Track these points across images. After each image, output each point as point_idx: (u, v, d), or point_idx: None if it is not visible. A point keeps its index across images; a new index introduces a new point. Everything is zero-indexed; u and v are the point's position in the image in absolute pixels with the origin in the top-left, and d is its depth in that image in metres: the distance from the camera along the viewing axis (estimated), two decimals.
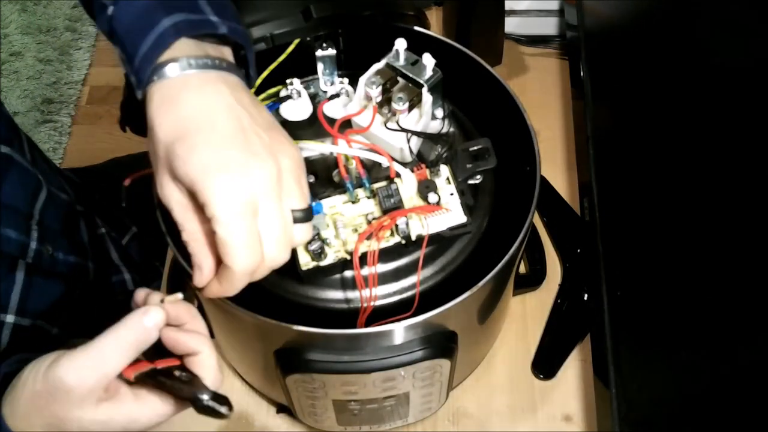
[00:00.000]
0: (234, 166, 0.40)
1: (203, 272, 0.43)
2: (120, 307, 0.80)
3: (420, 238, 0.52)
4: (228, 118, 0.41)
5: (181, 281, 0.70)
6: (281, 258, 0.42)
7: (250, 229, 0.40)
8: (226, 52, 0.45)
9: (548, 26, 0.93)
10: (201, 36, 0.43)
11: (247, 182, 0.40)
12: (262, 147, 0.41)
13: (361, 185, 0.54)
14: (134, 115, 0.57)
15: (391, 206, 0.52)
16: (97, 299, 0.76)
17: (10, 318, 0.63)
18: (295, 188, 0.43)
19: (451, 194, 0.54)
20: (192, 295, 0.60)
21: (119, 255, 0.83)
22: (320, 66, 0.60)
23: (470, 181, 0.56)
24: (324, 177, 0.57)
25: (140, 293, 0.46)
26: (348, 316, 0.53)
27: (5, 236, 0.62)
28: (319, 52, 0.58)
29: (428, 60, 0.53)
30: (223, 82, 0.43)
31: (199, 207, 0.40)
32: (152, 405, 0.43)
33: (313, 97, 0.61)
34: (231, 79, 0.43)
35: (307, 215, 0.43)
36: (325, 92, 0.61)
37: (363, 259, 0.51)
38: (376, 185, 0.54)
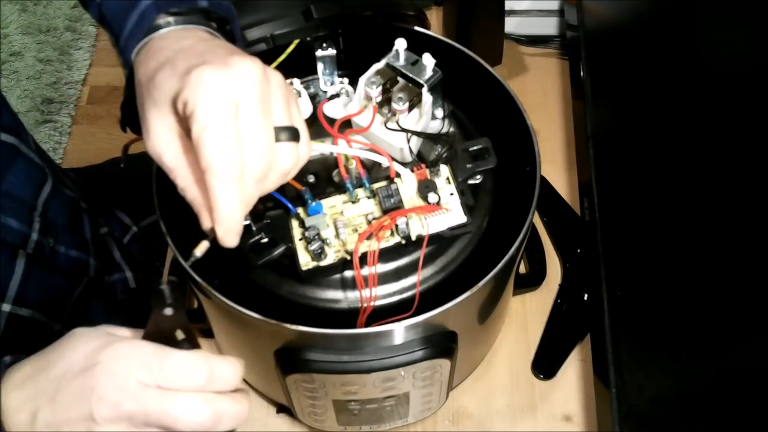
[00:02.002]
0: (216, 61, 0.39)
1: (205, 209, 0.40)
2: (121, 305, 0.80)
3: (420, 238, 0.52)
4: (209, 44, 0.42)
5: (181, 281, 0.70)
6: (261, 169, 0.39)
7: (227, 128, 0.37)
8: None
9: (548, 26, 0.93)
10: (185, 15, 0.45)
11: (228, 76, 0.38)
12: (246, 55, 0.40)
13: (361, 185, 0.54)
14: (134, 115, 0.57)
15: (391, 206, 0.52)
16: (98, 296, 0.76)
17: (6, 307, 0.63)
18: (282, 105, 0.40)
19: (451, 194, 0.54)
20: (187, 291, 0.60)
21: (121, 254, 0.83)
22: (320, 66, 0.60)
23: (470, 181, 0.56)
24: (324, 177, 0.57)
25: None
26: (348, 316, 0.53)
27: (6, 225, 0.62)
28: (319, 52, 0.59)
29: (428, 60, 0.53)
30: (204, 31, 0.44)
31: (191, 146, 0.39)
32: None
33: (313, 97, 0.61)
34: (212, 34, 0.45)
35: (293, 135, 0.41)
36: (325, 92, 0.61)
37: (363, 259, 0.51)
38: (376, 185, 0.54)
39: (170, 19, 0.44)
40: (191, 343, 0.39)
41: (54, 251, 0.69)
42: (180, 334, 0.40)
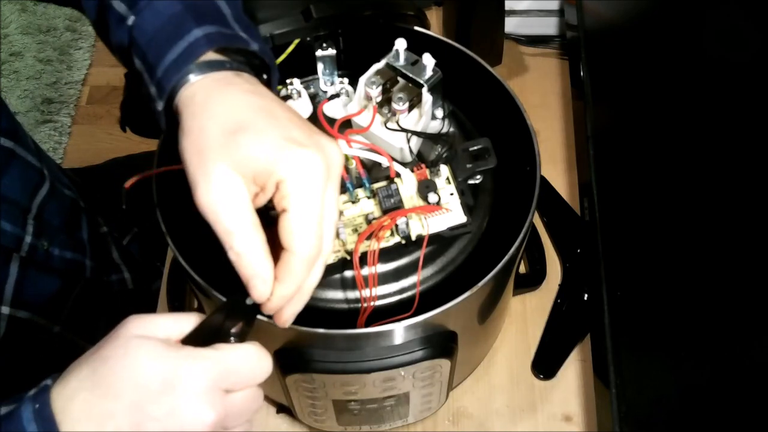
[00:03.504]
0: (307, 141, 0.39)
1: (266, 280, 0.38)
2: (119, 306, 0.80)
3: (420, 238, 0.52)
4: (281, 107, 0.41)
5: (182, 281, 0.71)
6: (328, 251, 0.40)
7: (318, 216, 0.38)
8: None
9: (548, 26, 0.93)
10: (235, 54, 0.43)
11: (321, 157, 0.38)
12: (325, 135, 0.40)
13: (361, 185, 0.54)
14: (134, 115, 0.57)
15: (391, 206, 0.52)
16: (96, 297, 0.76)
17: (5, 309, 0.63)
18: (338, 184, 0.41)
19: (451, 194, 0.54)
20: (187, 291, 0.60)
21: (120, 254, 0.83)
22: (320, 66, 0.60)
23: (470, 181, 0.56)
24: None
25: None
26: (348, 316, 0.53)
27: (1, 229, 0.62)
28: (319, 52, 0.59)
29: (428, 60, 0.53)
30: (258, 82, 0.43)
31: (251, 212, 0.38)
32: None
33: (313, 97, 0.61)
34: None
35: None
36: (325, 92, 0.61)
37: (363, 259, 0.51)
38: (376, 185, 0.54)
39: (222, 58, 0.42)
40: (240, 337, 0.40)
41: (48, 253, 0.69)
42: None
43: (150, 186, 0.54)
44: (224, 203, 0.38)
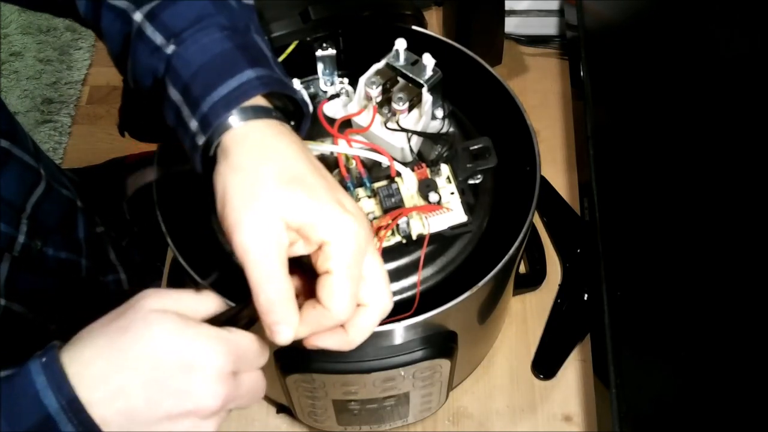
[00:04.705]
0: (352, 208, 0.40)
1: (291, 327, 0.39)
2: (115, 306, 0.80)
3: (421, 238, 0.52)
4: (321, 168, 0.42)
5: (182, 281, 0.70)
6: (390, 305, 0.42)
7: (358, 275, 0.40)
8: None
9: (548, 26, 0.93)
10: (270, 98, 0.43)
11: (366, 225, 0.40)
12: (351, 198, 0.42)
13: (361, 185, 0.54)
14: (133, 120, 0.57)
15: (392, 205, 0.52)
16: (91, 297, 0.76)
17: (1, 301, 0.63)
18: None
19: (452, 193, 0.54)
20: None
21: (117, 255, 0.83)
22: (320, 66, 0.60)
23: (471, 181, 0.56)
24: None
25: None
26: None
27: None
28: (318, 53, 0.59)
29: (428, 60, 0.53)
30: (295, 133, 0.43)
31: (284, 260, 0.39)
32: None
33: (313, 97, 0.61)
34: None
35: None
36: (325, 92, 0.61)
37: None
38: (376, 185, 0.54)
39: (269, 106, 0.42)
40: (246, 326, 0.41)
41: (42, 253, 0.69)
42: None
43: (150, 187, 0.54)
44: (266, 250, 0.38)
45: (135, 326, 0.37)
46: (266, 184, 0.39)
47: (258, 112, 0.41)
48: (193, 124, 0.42)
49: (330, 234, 0.39)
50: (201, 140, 0.41)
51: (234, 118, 0.40)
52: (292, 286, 0.39)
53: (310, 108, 0.47)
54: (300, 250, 0.40)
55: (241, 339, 0.39)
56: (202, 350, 0.37)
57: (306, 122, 0.47)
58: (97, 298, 0.77)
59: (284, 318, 0.39)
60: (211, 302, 0.40)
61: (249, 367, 0.39)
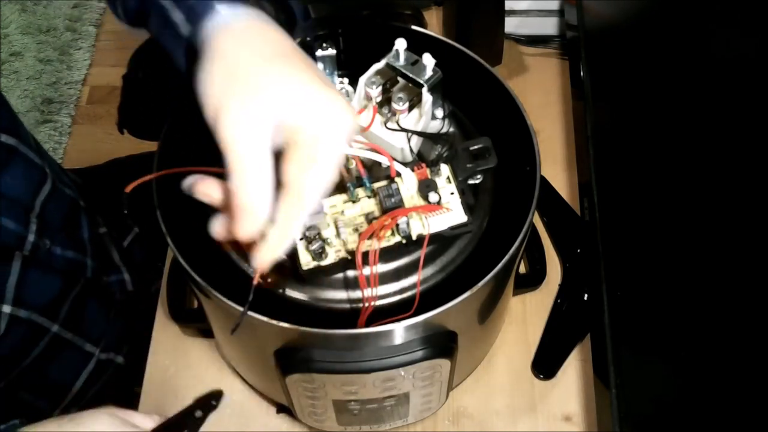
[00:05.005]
0: (339, 95, 0.39)
1: (260, 218, 0.38)
2: (118, 307, 0.80)
3: (421, 238, 0.52)
4: (308, 57, 0.41)
5: (182, 281, 0.71)
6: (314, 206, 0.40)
7: (334, 158, 0.39)
8: None
9: (548, 26, 0.93)
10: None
11: (351, 112, 0.39)
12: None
13: (361, 185, 0.54)
14: (132, 117, 0.57)
15: (392, 206, 0.52)
16: (95, 297, 0.76)
17: (6, 308, 0.63)
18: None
19: (452, 193, 0.54)
20: (187, 292, 0.60)
21: (119, 255, 0.83)
22: (320, 66, 0.60)
23: (470, 181, 0.56)
24: None
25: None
26: (348, 316, 0.53)
27: (4, 226, 0.62)
28: (319, 52, 0.59)
29: (428, 60, 0.53)
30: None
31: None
32: None
33: None
34: None
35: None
36: None
37: (364, 259, 0.51)
38: (376, 185, 0.54)
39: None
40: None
41: (50, 252, 0.69)
42: None
43: (150, 186, 0.54)
44: (251, 141, 0.37)
45: (84, 418, 0.47)
46: (249, 65, 0.37)
47: (245, 3, 0.40)
48: (179, 17, 0.40)
49: (314, 108, 0.37)
50: (186, 30, 0.40)
51: (221, 5, 0.39)
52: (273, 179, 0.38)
53: (300, 15, 0.47)
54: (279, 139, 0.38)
55: None
56: None
57: (297, 31, 0.46)
58: (101, 298, 0.77)
59: (255, 204, 0.37)
60: (154, 422, 0.51)
61: None
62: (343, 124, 0.38)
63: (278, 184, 0.38)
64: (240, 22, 0.39)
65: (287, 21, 0.45)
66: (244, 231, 0.38)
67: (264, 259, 0.40)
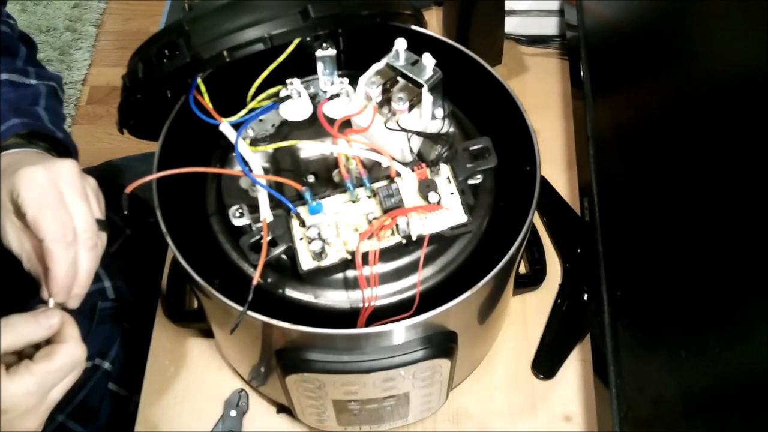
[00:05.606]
0: (39, 162, 0.50)
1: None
2: (101, 315, 0.79)
3: (420, 238, 0.52)
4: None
5: (182, 281, 0.71)
6: (92, 238, 0.50)
7: (55, 203, 0.48)
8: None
9: (548, 26, 0.93)
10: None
11: (43, 168, 0.49)
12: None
13: (361, 185, 0.54)
14: (132, 117, 0.57)
15: (392, 206, 0.52)
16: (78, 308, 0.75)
17: None
18: (94, 198, 0.53)
19: (452, 194, 0.54)
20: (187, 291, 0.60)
21: (102, 263, 0.81)
22: (320, 66, 0.60)
23: (470, 181, 0.56)
24: (324, 177, 0.57)
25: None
26: (348, 316, 0.53)
27: None
28: (319, 52, 0.59)
29: (428, 60, 0.53)
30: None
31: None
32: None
33: (313, 97, 0.61)
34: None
35: (103, 226, 0.52)
36: (325, 92, 0.61)
37: (364, 259, 0.51)
38: (376, 185, 0.54)
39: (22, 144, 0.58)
40: None
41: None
42: None
43: (144, 189, 0.54)
44: (6, 233, 0.49)
45: None
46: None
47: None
48: None
49: (17, 185, 0.47)
50: None
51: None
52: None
53: (76, 149, 0.65)
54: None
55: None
56: None
57: (75, 156, 0.65)
58: (83, 307, 0.76)
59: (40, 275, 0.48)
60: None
61: None
62: (41, 172, 0.48)
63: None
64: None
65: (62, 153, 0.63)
66: (46, 296, 0.48)
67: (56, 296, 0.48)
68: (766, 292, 0.41)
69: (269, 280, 0.54)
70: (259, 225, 0.53)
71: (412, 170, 0.54)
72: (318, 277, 0.53)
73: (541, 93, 0.90)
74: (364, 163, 0.55)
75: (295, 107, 0.59)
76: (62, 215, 0.47)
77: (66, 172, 0.49)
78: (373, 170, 0.56)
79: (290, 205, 0.52)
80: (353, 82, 0.57)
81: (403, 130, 0.54)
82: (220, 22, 0.50)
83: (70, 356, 0.46)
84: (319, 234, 0.51)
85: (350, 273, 0.53)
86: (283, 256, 0.53)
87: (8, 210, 0.49)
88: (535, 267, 0.74)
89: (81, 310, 0.76)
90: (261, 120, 0.60)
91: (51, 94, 0.70)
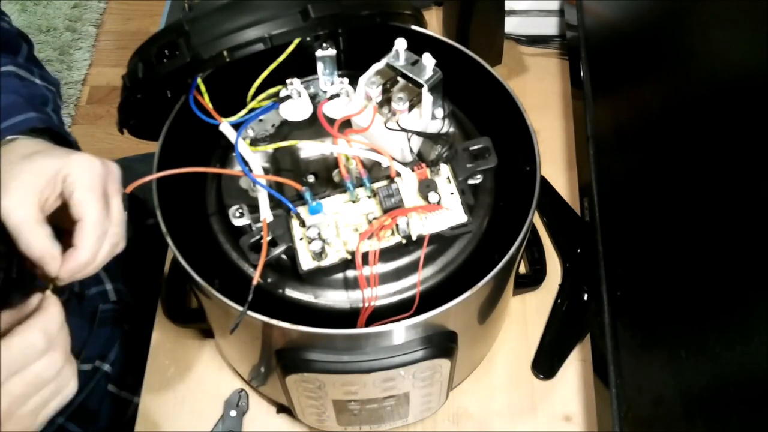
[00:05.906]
0: (85, 154, 0.50)
1: (55, 257, 0.47)
2: (102, 317, 0.79)
3: (420, 238, 0.52)
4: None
5: (182, 281, 0.71)
6: (113, 233, 0.49)
7: (102, 191, 0.49)
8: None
9: (548, 26, 0.93)
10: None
11: (98, 159, 0.50)
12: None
13: (361, 185, 0.54)
14: (132, 117, 0.57)
15: (392, 206, 0.52)
16: (78, 310, 0.75)
17: None
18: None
19: (452, 194, 0.54)
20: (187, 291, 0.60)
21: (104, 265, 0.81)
22: (320, 66, 0.60)
23: (470, 181, 0.56)
24: (324, 177, 0.57)
25: None
26: (348, 316, 0.53)
27: None
28: (319, 52, 0.59)
29: (428, 60, 0.53)
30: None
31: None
32: None
33: (313, 97, 0.61)
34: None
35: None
36: (325, 92, 0.61)
37: (364, 259, 0.51)
38: (376, 185, 0.54)
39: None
40: None
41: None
42: None
43: (143, 189, 0.54)
44: (15, 205, 0.46)
45: None
46: (11, 162, 0.48)
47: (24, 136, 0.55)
48: None
49: (67, 168, 0.47)
50: None
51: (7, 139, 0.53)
52: (49, 233, 0.47)
53: (73, 139, 0.65)
54: (53, 200, 0.48)
55: None
56: None
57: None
58: (85, 310, 0.76)
59: (44, 252, 0.46)
60: None
61: None
62: (96, 162, 0.49)
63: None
64: (17, 144, 0.53)
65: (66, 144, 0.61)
66: (51, 270, 0.46)
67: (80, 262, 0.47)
68: (766, 292, 0.41)
69: (269, 280, 0.54)
70: (259, 225, 0.53)
71: (412, 170, 0.54)
72: (318, 277, 0.53)
73: (541, 93, 0.90)
74: (364, 163, 0.55)
75: (295, 107, 0.59)
76: (105, 205, 0.48)
77: (116, 171, 0.51)
78: (373, 170, 0.56)
79: (290, 205, 0.52)
80: (353, 82, 0.57)
81: (403, 130, 0.54)
82: (220, 22, 0.50)
83: (27, 341, 0.44)
84: (319, 234, 0.51)
85: (350, 273, 0.53)
86: (283, 256, 0.53)
87: (35, 186, 0.48)
88: (535, 267, 0.74)
89: (82, 314, 0.76)
90: (261, 120, 0.60)
91: (54, 99, 0.70)
